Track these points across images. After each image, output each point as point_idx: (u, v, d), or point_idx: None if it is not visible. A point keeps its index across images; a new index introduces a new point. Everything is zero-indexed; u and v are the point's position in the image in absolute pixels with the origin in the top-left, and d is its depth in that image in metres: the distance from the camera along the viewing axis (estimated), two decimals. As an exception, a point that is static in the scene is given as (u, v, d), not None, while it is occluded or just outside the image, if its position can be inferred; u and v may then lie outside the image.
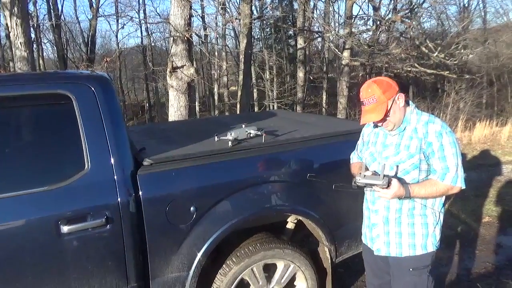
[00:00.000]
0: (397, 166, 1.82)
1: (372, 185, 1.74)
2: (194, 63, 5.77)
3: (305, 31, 13.75)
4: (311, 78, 17.10)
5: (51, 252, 1.77)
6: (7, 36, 11.86)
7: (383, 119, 1.78)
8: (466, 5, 18.90)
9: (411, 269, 1.89)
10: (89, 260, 1.84)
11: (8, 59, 13.73)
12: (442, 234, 1.94)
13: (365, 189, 1.84)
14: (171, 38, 5.32)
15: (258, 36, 20.01)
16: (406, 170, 1.80)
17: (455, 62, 10.52)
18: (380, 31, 11.63)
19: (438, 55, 10.22)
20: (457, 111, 13.63)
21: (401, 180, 1.76)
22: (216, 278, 2.20)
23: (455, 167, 1.75)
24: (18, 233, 1.73)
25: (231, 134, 2.29)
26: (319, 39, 16.81)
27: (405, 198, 1.79)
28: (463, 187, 1.79)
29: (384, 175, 1.72)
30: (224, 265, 2.21)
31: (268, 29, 20.07)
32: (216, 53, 19.27)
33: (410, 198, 1.79)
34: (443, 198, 1.88)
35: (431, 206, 1.86)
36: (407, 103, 1.86)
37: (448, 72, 11.78)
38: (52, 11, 16.80)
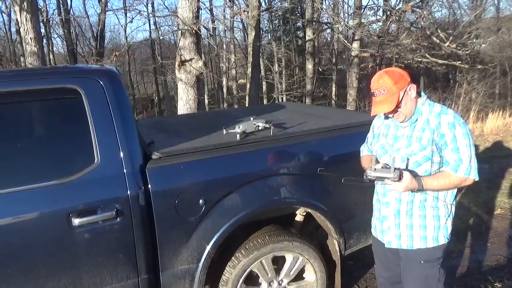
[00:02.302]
0: (408, 159, 1.80)
1: (384, 178, 1.73)
2: (203, 56, 5.75)
3: (314, 23, 13.61)
4: (320, 70, 16.96)
5: (63, 244, 1.80)
6: (18, 32, 11.98)
7: (394, 110, 1.76)
8: (479, -7, 18.50)
9: (422, 262, 1.87)
10: (100, 252, 1.87)
11: (19, 54, 13.89)
12: (453, 226, 1.92)
13: (375, 182, 1.83)
14: (180, 32, 5.31)
15: (267, 28, 19.86)
16: (418, 162, 1.78)
17: (467, 52, 10.31)
18: (390, 22, 11.46)
19: (450, 45, 10.03)
20: (469, 102, 13.43)
21: (413, 173, 1.74)
22: (225, 271, 2.21)
23: (469, 158, 1.73)
24: (31, 225, 1.76)
25: (239, 127, 2.28)
26: (328, 31, 16.64)
27: (417, 191, 1.77)
28: (477, 178, 1.77)
29: (395, 168, 1.71)
30: (233, 258, 2.22)
31: (276, 21, 19.90)
32: (224, 46, 19.20)
33: (423, 190, 1.78)
34: (455, 190, 1.86)
35: (443, 198, 1.84)
36: (418, 94, 1.83)
37: (460, 62, 11.56)
38: (61, 5, 16.89)
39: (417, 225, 1.86)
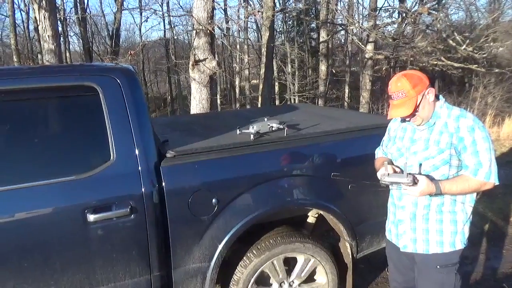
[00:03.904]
0: (420, 164, 1.78)
1: (398, 183, 1.71)
2: (216, 56, 5.78)
3: (328, 24, 13.55)
4: (334, 71, 16.88)
5: (78, 240, 1.83)
6: (36, 29, 12.20)
7: (412, 114, 1.74)
8: (497, -4, 18.17)
9: (438, 267, 1.85)
10: (114, 248, 1.89)
11: (37, 51, 14.14)
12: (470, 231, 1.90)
13: (391, 187, 1.82)
14: (194, 31, 5.34)
15: (280, 29, 19.85)
16: (435, 165, 1.76)
17: (484, 56, 10.15)
18: (406, 24, 11.34)
19: (466, 48, 9.88)
20: (485, 106, 13.19)
21: (429, 177, 1.72)
22: (236, 270, 2.22)
23: (489, 162, 1.70)
24: (48, 220, 1.79)
25: (253, 127, 2.28)
26: (342, 32, 16.55)
27: (435, 195, 1.75)
28: (497, 183, 1.74)
29: (408, 173, 1.69)
30: (244, 257, 2.22)
31: (290, 22, 19.89)
32: (238, 46, 19.25)
33: (441, 195, 1.75)
34: (474, 194, 1.83)
35: (461, 202, 1.81)
36: (437, 98, 1.81)
37: (476, 65, 11.38)
38: (78, 4, 17.14)
39: (434, 230, 1.83)
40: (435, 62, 10.90)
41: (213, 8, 5.34)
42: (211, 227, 2.05)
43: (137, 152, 1.91)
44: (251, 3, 14.96)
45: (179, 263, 2.04)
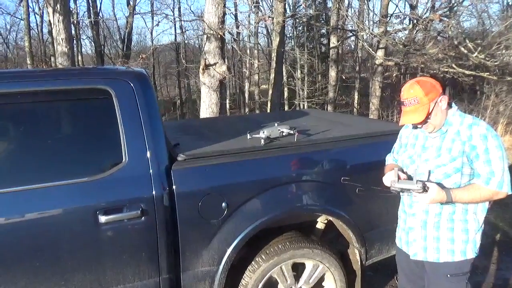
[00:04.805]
0: (430, 172, 1.77)
1: (408, 190, 1.71)
2: (226, 60, 5.81)
3: (338, 30, 13.54)
4: (343, 77, 16.84)
5: (89, 241, 1.85)
6: (50, 32, 12.39)
7: (424, 122, 1.73)
8: (510, 3, 18.00)
9: (448, 275, 1.83)
10: (124, 250, 1.90)
11: (50, 54, 14.35)
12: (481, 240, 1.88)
13: (401, 194, 1.81)
14: (205, 36, 5.38)
15: (290, 34, 19.89)
16: (447, 173, 1.75)
17: (496, 63, 10.05)
18: (417, 30, 11.29)
19: (478, 55, 9.79)
20: (497, 114, 13.01)
21: (440, 185, 1.71)
22: (244, 275, 2.22)
23: (501, 171, 1.68)
24: (61, 220, 1.81)
25: (263, 132, 2.29)
26: (352, 38, 16.52)
27: (446, 203, 1.73)
28: (510, 192, 1.72)
29: (418, 180, 1.68)
30: (253, 262, 2.22)
31: (300, 28, 19.92)
32: (248, 51, 19.32)
33: (452, 203, 1.74)
34: (487, 203, 1.81)
35: (473, 211, 1.79)
36: (449, 105, 1.80)
37: (488, 73, 11.26)
38: (91, 8, 17.37)
39: (445, 238, 1.82)
40: (446, 69, 10.80)
41: (224, 14, 5.38)
42: (221, 231, 2.06)
43: (148, 155, 1.93)
44: (261, 8, 15.02)
45: (188, 266, 2.05)
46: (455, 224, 1.81)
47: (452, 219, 1.80)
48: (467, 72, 10.82)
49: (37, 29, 19.10)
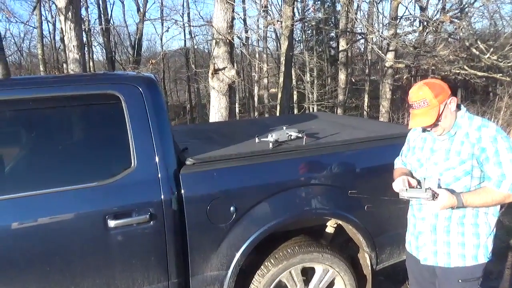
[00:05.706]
0: (441, 174, 1.74)
1: (418, 198, 1.69)
2: (235, 65, 5.84)
3: (347, 33, 13.50)
4: (353, 80, 16.76)
5: (98, 245, 1.86)
6: (62, 40, 12.60)
7: (434, 124, 1.71)
8: (523, 3, 17.71)
9: (460, 281, 1.79)
10: (133, 254, 1.91)
11: (62, 61, 14.58)
12: (494, 244, 1.84)
13: (410, 200, 1.79)
14: (214, 41, 5.41)
15: (299, 38, 19.88)
16: (457, 176, 1.72)
17: (508, 64, 9.89)
18: (427, 32, 11.19)
19: (490, 56, 9.65)
20: (510, 116, 12.81)
21: (450, 190, 1.68)
22: (254, 279, 2.21)
23: None
24: (70, 224, 1.83)
25: (272, 136, 2.29)
26: (362, 41, 16.44)
27: (457, 208, 1.70)
28: None
29: (426, 188, 1.66)
30: (262, 266, 2.21)
31: (309, 31, 19.90)
32: (257, 55, 19.37)
33: (463, 207, 1.70)
34: (498, 206, 1.77)
35: (484, 215, 1.76)
36: (458, 107, 1.77)
37: (501, 74, 11.09)
38: (102, 15, 17.62)
39: (455, 243, 1.79)
40: (458, 71, 10.68)
41: (233, 18, 5.41)
42: (229, 235, 2.06)
43: (157, 159, 1.94)
44: (270, 13, 15.06)
45: (197, 271, 2.05)
46: (466, 228, 1.77)
47: (463, 223, 1.77)
48: (479, 73, 10.69)
49: (50, 37, 19.44)
